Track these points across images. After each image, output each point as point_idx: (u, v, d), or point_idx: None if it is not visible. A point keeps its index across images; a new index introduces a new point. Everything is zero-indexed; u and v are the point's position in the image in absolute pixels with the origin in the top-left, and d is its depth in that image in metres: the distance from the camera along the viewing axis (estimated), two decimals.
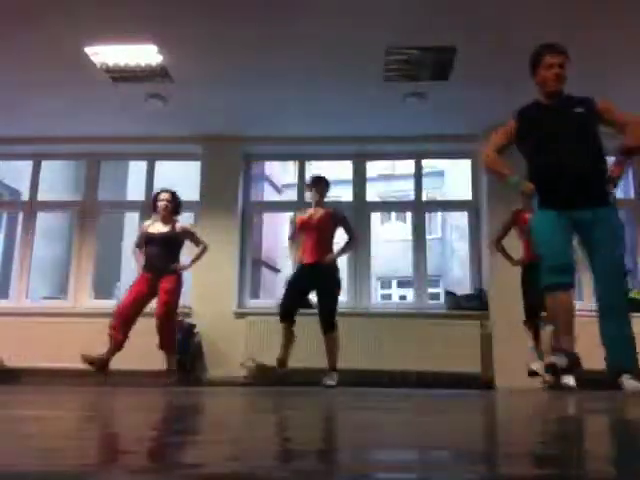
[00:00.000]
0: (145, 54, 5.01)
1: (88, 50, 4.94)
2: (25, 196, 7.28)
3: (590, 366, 5.17)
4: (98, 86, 5.49)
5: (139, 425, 1.66)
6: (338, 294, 4.92)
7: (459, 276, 14.75)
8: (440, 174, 16.96)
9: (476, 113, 5.99)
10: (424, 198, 7.13)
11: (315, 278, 4.85)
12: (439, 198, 15.23)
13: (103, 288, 7.14)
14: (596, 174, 3.23)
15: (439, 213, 16.78)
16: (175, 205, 5.27)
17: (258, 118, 6.18)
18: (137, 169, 9.66)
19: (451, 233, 17.06)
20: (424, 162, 7.05)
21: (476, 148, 6.55)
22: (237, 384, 5.64)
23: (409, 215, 7.42)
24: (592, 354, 5.13)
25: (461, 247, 14.02)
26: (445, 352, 5.75)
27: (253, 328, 6.08)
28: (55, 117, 6.20)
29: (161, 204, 5.19)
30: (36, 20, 4.52)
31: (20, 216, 7.32)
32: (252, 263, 7.11)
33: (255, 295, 7.05)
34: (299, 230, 5.07)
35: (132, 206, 7.96)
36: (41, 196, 7.13)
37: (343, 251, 5.13)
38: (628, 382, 3.12)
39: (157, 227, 5.19)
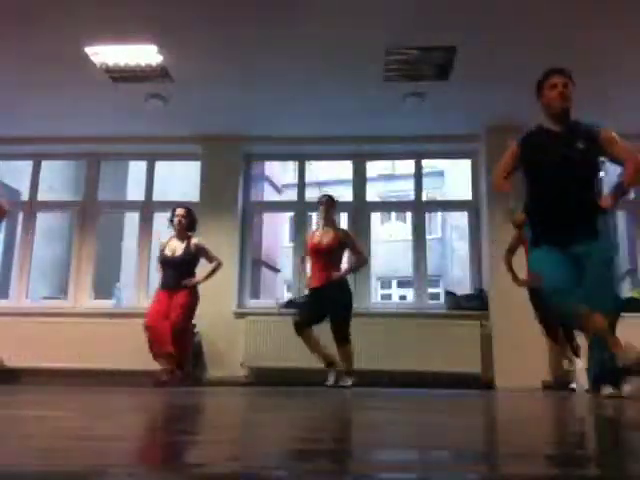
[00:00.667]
0: (145, 54, 5.00)
1: (88, 50, 4.94)
2: (25, 196, 7.27)
3: (588, 366, 5.17)
4: (98, 86, 5.49)
5: (139, 425, 1.66)
6: (350, 311, 4.98)
7: (459, 276, 14.74)
8: (440, 174, 16.95)
9: (476, 113, 5.99)
10: (424, 198, 7.12)
11: (326, 299, 4.92)
12: (439, 198, 15.22)
13: (103, 288, 7.13)
14: (590, 210, 3.27)
15: (439, 213, 16.78)
16: (190, 221, 5.37)
17: (258, 118, 6.18)
18: (137, 169, 9.66)
19: (451, 233, 17.06)
20: (424, 162, 7.04)
21: (476, 148, 6.55)
22: (237, 384, 5.64)
23: (409, 215, 7.41)
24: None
25: (461, 247, 14.02)
26: (445, 352, 5.74)
27: (253, 328, 6.08)
28: (55, 117, 6.20)
29: (176, 220, 5.32)
30: (36, 20, 4.52)
31: (20, 216, 7.32)
32: (252, 263, 7.10)
33: (255, 295, 7.04)
34: (307, 253, 5.16)
35: (132, 206, 7.95)
36: (41, 196, 7.13)
37: (352, 270, 5.21)
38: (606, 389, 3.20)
39: (172, 246, 5.28)
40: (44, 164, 7.17)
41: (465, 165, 7.12)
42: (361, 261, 5.19)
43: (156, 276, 5.66)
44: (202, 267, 5.36)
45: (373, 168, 11.09)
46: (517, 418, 2.10)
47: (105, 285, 7.31)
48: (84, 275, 6.64)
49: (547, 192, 3.33)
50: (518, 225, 3.46)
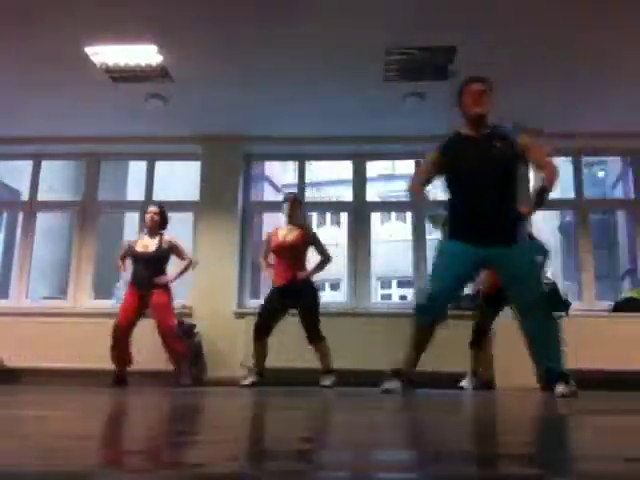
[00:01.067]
0: (145, 54, 5.00)
1: (88, 50, 4.94)
2: (25, 196, 7.27)
3: (588, 366, 5.18)
4: (98, 86, 5.49)
5: (139, 425, 1.66)
6: (319, 307, 5.04)
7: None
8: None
9: None
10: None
11: (292, 297, 4.97)
12: (439, 198, 15.22)
13: (103, 288, 7.13)
14: (509, 215, 3.38)
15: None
16: (162, 219, 5.38)
17: (258, 118, 6.18)
18: (137, 169, 9.65)
19: None
20: None
21: None
22: (237, 384, 5.64)
23: (409, 215, 7.41)
24: (589, 354, 5.13)
25: None
26: (445, 352, 5.72)
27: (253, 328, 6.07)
28: (55, 117, 6.20)
29: (148, 217, 5.33)
30: (36, 20, 4.52)
31: (20, 216, 7.31)
32: (252, 263, 7.10)
33: (255, 295, 7.03)
34: (273, 251, 5.15)
35: (132, 206, 7.95)
36: (41, 196, 7.13)
37: (316, 270, 5.21)
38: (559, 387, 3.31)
39: (144, 244, 5.28)
40: (44, 164, 7.16)
41: None
42: (326, 260, 5.23)
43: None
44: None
45: (373, 168, 11.08)
46: (517, 418, 2.10)
47: (105, 285, 7.30)
48: (84, 275, 6.64)
49: (466, 197, 3.44)
50: (438, 222, 3.58)
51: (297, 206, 5.26)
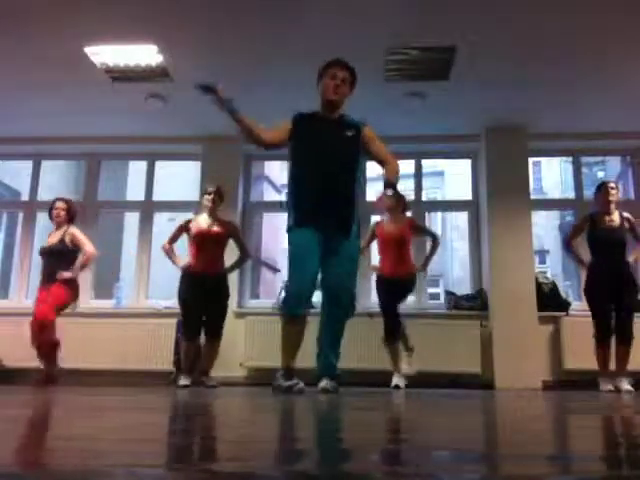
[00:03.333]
0: (145, 54, 5.00)
1: (88, 50, 4.93)
2: (25, 196, 7.27)
3: (588, 366, 5.18)
4: (98, 86, 5.48)
5: (139, 425, 1.66)
6: (227, 305, 5.21)
7: (459, 276, 14.73)
8: (440, 174, 16.96)
9: (476, 113, 5.98)
10: (424, 198, 7.12)
11: (208, 288, 5.06)
12: (439, 198, 15.22)
13: (103, 288, 7.13)
14: (350, 200, 3.47)
15: (439, 213, 16.78)
16: (69, 213, 5.29)
17: (258, 118, 6.15)
18: (137, 169, 9.65)
19: (451, 233, 17.06)
20: (424, 162, 7.04)
21: (476, 148, 6.55)
22: (237, 384, 5.64)
23: (409, 215, 7.39)
24: (590, 354, 5.13)
25: (461, 247, 14.01)
26: (445, 352, 5.74)
27: (253, 328, 6.08)
28: (55, 117, 6.19)
29: (55, 212, 5.24)
30: (36, 20, 4.52)
31: (20, 216, 7.31)
32: (252, 263, 7.09)
33: (255, 295, 7.03)
34: (193, 238, 5.14)
35: (132, 206, 7.94)
36: (41, 196, 7.13)
37: (234, 267, 5.38)
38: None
39: (50, 238, 5.22)
40: (44, 164, 7.16)
41: (465, 165, 7.12)
42: (246, 256, 5.41)
43: (159, 276, 5.66)
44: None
45: (373, 168, 11.07)
46: (517, 418, 2.10)
47: (105, 285, 7.31)
48: (84, 275, 6.63)
49: (312, 173, 3.48)
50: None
51: (219, 198, 5.29)
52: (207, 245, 5.12)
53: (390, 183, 3.49)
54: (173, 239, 5.26)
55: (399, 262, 5.04)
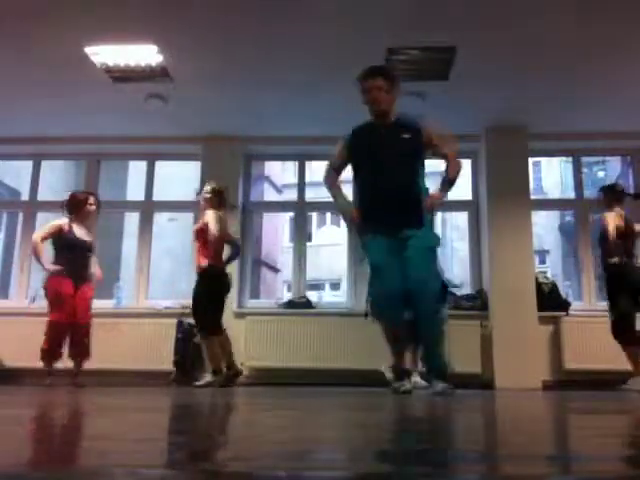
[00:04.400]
0: (145, 54, 5.00)
1: (88, 50, 4.93)
2: (25, 196, 7.27)
3: (588, 366, 5.18)
4: (98, 86, 5.48)
5: (139, 425, 1.66)
6: (202, 303, 5.12)
7: (459, 276, 14.73)
8: (440, 174, 16.96)
9: (476, 113, 5.98)
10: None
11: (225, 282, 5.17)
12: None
13: (103, 288, 7.12)
14: (415, 200, 3.50)
15: (439, 213, 16.78)
16: (98, 209, 5.44)
17: (258, 118, 6.17)
18: (137, 169, 9.65)
19: (451, 233, 17.06)
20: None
21: (476, 148, 6.54)
22: (237, 384, 5.63)
23: None
24: (590, 354, 5.13)
25: (461, 247, 14.01)
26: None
27: (253, 328, 6.07)
28: (55, 117, 6.19)
29: (91, 207, 5.29)
30: (36, 20, 4.51)
31: (20, 216, 7.31)
32: (252, 263, 7.10)
33: (255, 295, 7.03)
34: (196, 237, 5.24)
35: (132, 206, 7.94)
36: (41, 196, 7.12)
37: (228, 261, 5.37)
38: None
39: (78, 230, 5.20)
40: (44, 164, 7.16)
41: (465, 165, 7.10)
42: (238, 251, 5.47)
43: (159, 276, 5.65)
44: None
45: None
46: (517, 418, 2.10)
47: (105, 285, 7.30)
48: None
49: (374, 183, 3.52)
50: (353, 219, 3.63)
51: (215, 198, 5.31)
52: (221, 243, 5.23)
53: (450, 180, 3.55)
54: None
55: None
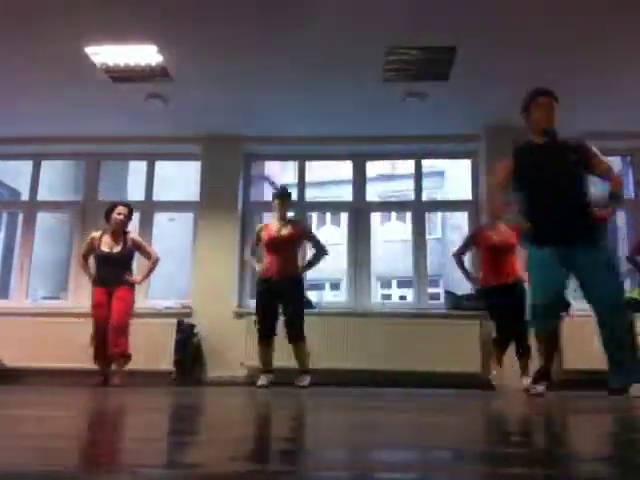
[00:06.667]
0: (145, 54, 5.00)
1: (88, 50, 4.93)
2: (25, 196, 7.27)
3: (589, 366, 5.17)
4: (98, 86, 5.49)
5: (139, 425, 1.66)
6: (304, 306, 5.01)
7: (459, 276, 14.74)
8: (440, 174, 16.94)
9: (476, 113, 5.98)
10: (424, 198, 7.12)
11: (282, 291, 4.91)
12: (439, 198, 15.22)
13: None
14: (587, 217, 3.51)
15: (439, 213, 16.79)
16: (129, 218, 5.46)
17: (258, 118, 6.17)
18: (137, 169, 9.65)
19: (451, 233, 17.05)
20: (424, 162, 7.04)
21: (476, 148, 6.54)
22: (237, 384, 5.64)
23: (409, 215, 7.41)
24: (590, 354, 5.13)
25: None
26: (445, 352, 5.74)
27: (253, 328, 6.06)
28: (55, 117, 6.19)
29: (119, 217, 5.28)
30: (36, 20, 4.51)
31: (20, 216, 7.31)
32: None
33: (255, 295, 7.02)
34: (264, 244, 5.08)
35: (132, 206, 7.93)
36: (41, 196, 7.12)
37: (311, 264, 5.21)
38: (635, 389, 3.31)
39: (105, 240, 5.28)
40: (44, 164, 7.16)
41: (465, 165, 7.11)
42: (322, 254, 5.17)
43: (159, 276, 5.65)
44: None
45: (373, 168, 11.07)
46: (517, 418, 2.10)
47: None
48: (84, 275, 6.63)
49: (544, 201, 3.57)
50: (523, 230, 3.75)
51: (288, 201, 5.21)
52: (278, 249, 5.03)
53: (617, 196, 3.58)
54: (253, 248, 5.28)
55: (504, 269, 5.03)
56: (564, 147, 3.62)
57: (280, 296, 4.93)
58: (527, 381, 4.53)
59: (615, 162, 10.08)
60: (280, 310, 4.96)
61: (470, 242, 5.36)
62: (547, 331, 3.63)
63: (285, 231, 5.05)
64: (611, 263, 3.53)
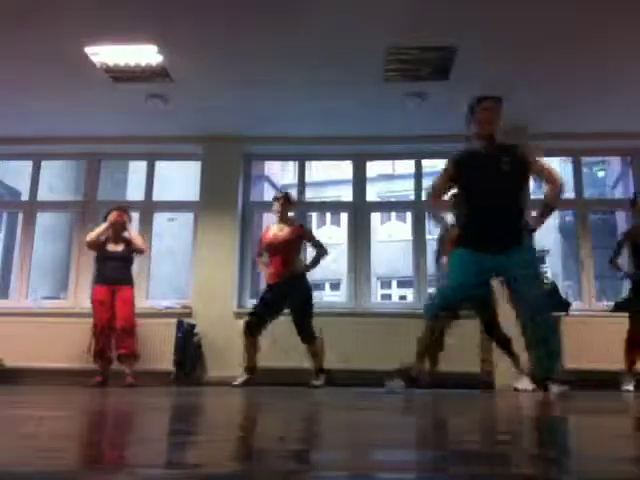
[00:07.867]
0: (145, 54, 5.00)
1: (88, 50, 4.93)
2: (25, 196, 7.27)
3: (588, 366, 5.18)
4: (98, 86, 5.48)
5: (139, 425, 1.66)
6: (311, 307, 5.01)
7: None
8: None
9: None
10: (424, 198, 7.12)
11: (285, 293, 4.94)
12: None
13: None
14: (516, 219, 3.58)
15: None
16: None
17: (258, 118, 6.17)
18: (137, 169, 9.65)
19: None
20: (424, 162, 7.04)
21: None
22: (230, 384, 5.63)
23: (409, 215, 7.41)
24: (590, 354, 5.13)
25: None
26: (445, 352, 5.73)
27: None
28: (55, 117, 6.19)
29: (120, 219, 5.55)
30: (36, 20, 4.51)
31: (20, 216, 7.31)
32: (252, 263, 7.09)
33: (255, 295, 7.01)
34: (264, 249, 5.17)
35: (132, 206, 7.94)
36: (41, 196, 7.12)
37: (313, 264, 5.21)
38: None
39: (110, 240, 5.57)
40: (44, 164, 7.16)
41: None
42: (322, 254, 5.19)
43: (159, 276, 5.65)
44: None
45: (373, 168, 11.08)
46: (517, 418, 2.10)
47: None
48: (84, 275, 6.64)
49: (481, 208, 3.60)
50: (454, 241, 3.81)
51: (287, 204, 5.24)
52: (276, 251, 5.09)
53: (550, 207, 3.63)
54: (260, 251, 5.33)
55: None
56: (503, 153, 3.63)
57: (284, 298, 4.95)
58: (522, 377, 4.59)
59: (615, 162, 10.00)
60: (287, 311, 5.00)
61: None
62: (439, 325, 3.78)
63: (282, 233, 5.07)
64: (535, 264, 3.64)
